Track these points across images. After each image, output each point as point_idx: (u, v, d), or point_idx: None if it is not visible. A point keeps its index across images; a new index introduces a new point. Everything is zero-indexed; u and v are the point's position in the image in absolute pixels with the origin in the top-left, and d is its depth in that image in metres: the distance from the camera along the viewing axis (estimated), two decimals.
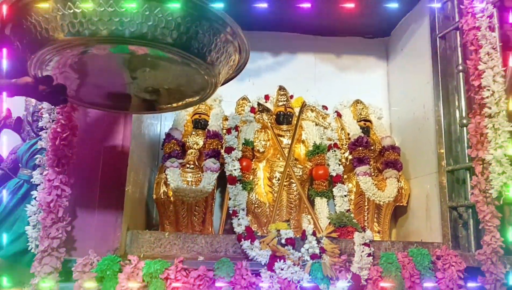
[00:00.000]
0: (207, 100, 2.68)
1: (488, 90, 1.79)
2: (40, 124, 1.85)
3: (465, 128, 2.08)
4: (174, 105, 1.53)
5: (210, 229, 2.47)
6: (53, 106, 1.81)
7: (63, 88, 1.15)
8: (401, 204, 2.61)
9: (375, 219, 2.60)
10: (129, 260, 1.82)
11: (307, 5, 2.56)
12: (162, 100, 1.49)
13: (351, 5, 2.48)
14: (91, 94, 1.36)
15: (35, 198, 1.78)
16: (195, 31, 1.12)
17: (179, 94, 1.47)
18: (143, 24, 1.05)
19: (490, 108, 1.78)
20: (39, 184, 1.77)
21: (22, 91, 1.17)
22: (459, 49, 2.16)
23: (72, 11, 1.01)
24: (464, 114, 2.10)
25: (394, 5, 2.48)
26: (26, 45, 1.09)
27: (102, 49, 1.12)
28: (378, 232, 2.59)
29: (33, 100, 2.71)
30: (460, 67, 2.11)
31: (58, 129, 1.70)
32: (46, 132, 1.79)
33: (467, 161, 2.06)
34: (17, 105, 2.58)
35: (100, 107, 1.51)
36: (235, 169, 2.39)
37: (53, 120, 1.78)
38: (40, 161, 1.81)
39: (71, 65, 1.17)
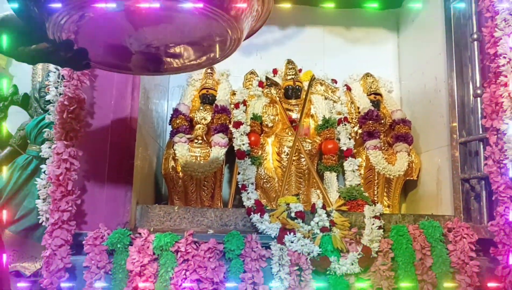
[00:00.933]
0: (215, 75, 2.67)
1: (505, 57, 1.73)
2: (47, 98, 1.83)
3: (479, 98, 2.03)
4: (186, 63, 1.40)
5: (219, 204, 2.47)
6: (59, 80, 1.79)
7: (85, 52, 1.11)
8: (412, 178, 2.58)
9: (385, 193, 2.58)
10: (140, 234, 1.82)
11: None
12: (172, 57, 1.42)
13: None
14: (98, 55, 1.31)
15: (44, 172, 1.78)
16: None
17: (198, 51, 1.40)
18: None
19: (506, 76, 1.73)
20: (48, 158, 1.77)
21: (43, 58, 1.13)
22: (474, 17, 2.09)
23: None
24: (478, 85, 2.05)
25: None
26: (41, 8, 1.06)
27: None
28: (388, 206, 2.57)
29: (39, 76, 2.70)
30: (475, 36, 2.05)
31: (65, 102, 1.69)
32: (53, 106, 1.78)
33: (480, 133, 2.02)
34: (24, 82, 2.57)
35: (107, 67, 1.43)
36: (243, 144, 2.37)
37: (60, 94, 1.76)
38: (48, 134, 1.80)
39: (80, 26, 1.13)
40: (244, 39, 1.36)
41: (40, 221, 1.79)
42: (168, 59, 1.41)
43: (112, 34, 1.25)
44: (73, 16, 1.09)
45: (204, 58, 1.41)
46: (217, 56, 1.39)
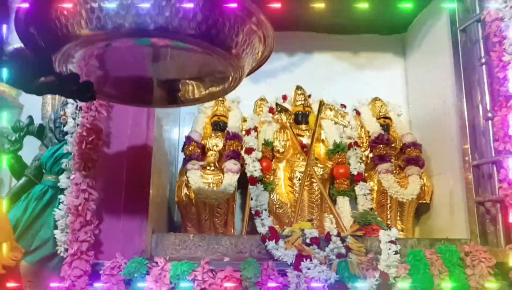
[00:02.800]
0: (225, 103, 2.71)
1: None
2: (65, 128, 1.87)
3: (490, 121, 2.04)
4: (197, 96, 1.48)
5: (232, 230, 2.46)
6: (77, 111, 1.83)
7: (90, 84, 1.15)
8: (424, 201, 2.57)
9: (398, 217, 2.57)
10: (156, 262, 1.82)
11: (320, 4, 2.56)
12: (184, 92, 1.47)
13: (365, 5, 2.48)
14: (114, 88, 1.35)
15: (62, 202, 1.80)
16: (218, 21, 1.09)
17: (202, 86, 1.45)
18: (160, 16, 1.03)
19: None
20: (66, 188, 1.79)
21: (50, 90, 1.17)
22: (481, 41, 2.13)
23: (96, 4, 1.01)
24: (488, 108, 2.07)
25: (408, 4, 2.47)
26: (49, 42, 1.10)
27: (124, 42, 1.12)
28: (402, 230, 2.55)
29: (49, 106, 2.76)
30: (483, 60, 2.08)
31: (84, 133, 1.72)
32: (71, 136, 1.81)
33: (493, 155, 2.03)
34: (33, 112, 2.62)
35: (123, 101, 1.49)
36: (255, 170, 2.39)
37: (77, 125, 1.79)
38: (66, 165, 1.83)
39: (93, 59, 1.17)
40: (249, 74, 1.42)
41: (58, 252, 1.80)
42: (184, 92, 1.47)
43: (133, 68, 1.30)
44: (83, 50, 1.13)
45: (214, 88, 1.47)
46: (225, 88, 1.44)
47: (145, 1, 1.00)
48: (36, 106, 2.75)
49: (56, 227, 1.83)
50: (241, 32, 1.15)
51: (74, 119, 1.84)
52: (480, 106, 2.15)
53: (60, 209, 1.80)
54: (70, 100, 1.90)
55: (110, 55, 1.23)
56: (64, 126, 2.08)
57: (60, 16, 1.05)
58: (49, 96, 2.79)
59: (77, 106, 1.84)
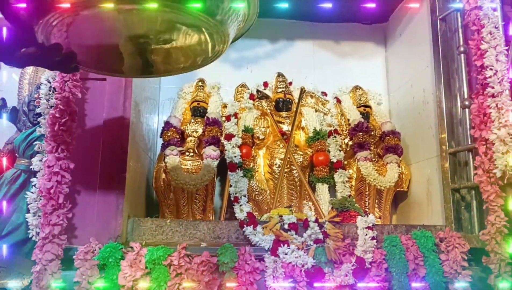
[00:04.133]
0: (206, 88, 2.68)
1: (491, 69, 1.78)
2: (37, 110, 1.81)
3: (467, 110, 2.07)
4: (180, 66, 1.42)
5: (211, 217, 2.45)
6: (50, 92, 1.78)
7: (73, 55, 1.12)
8: (402, 189, 2.60)
9: (376, 205, 2.59)
10: (131, 247, 1.80)
11: None
12: (164, 62, 1.42)
13: None
14: (88, 58, 1.30)
15: (34, 185, 1.75)
16: None
17: (184, 56, 1.40)
18: None
19: (493, 87, 1.77)
20: (38, 171, 1.74)
21: (32, 61, 1.13)
22: (460, 30, 2.15)
23: None
24: (465, 96, 2.09)
25: None
26: (32, 11, 1.05)
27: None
28: (379, 217, 2.58)
29: (26, 90, 2.68)
30: (462, 48, 2.10)
31: (57, 114, 1.67)
32: (44, 118, 1.76)
33: (469, 143, 2.06)
34: (10, 95, 2.54)
35: (98, 70, 1.43)
36: (235, 156, 2.37)
37: (51, 107, 1.74)
38: (39, 147, 1.78)
39: (69, 29, 1.13)
40: (230, 43, 1.37)
41: (30, 236, 1.75)
42: (157, 62, 1.41)
43: (104, 37, 1.26)
44: (64, 19, 1.09)
45: (190, 61, 1.41)
46: (203, 61, 1.38)
47: None
48: (12, 88, 2.67)
49: (28, 211, 1.78)
50: None
51: (47, 100, 1.79)
52: (458, 95, 2.18)
53: (32, 192, 1.75)
54: (43, 81, 1.84)
55: (86, 24, 1.18)
56: (38, 108, 2.01)
57: None
58: (25, 81, 2.71)
59: (50, 87, 1.79)
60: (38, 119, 1.82)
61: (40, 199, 1.69)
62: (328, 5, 2.48)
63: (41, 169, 1.72)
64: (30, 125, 2.27)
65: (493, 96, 1.78)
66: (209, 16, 1.13)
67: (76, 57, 1.13)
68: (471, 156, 2.05)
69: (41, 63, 1.16)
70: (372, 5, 2.52)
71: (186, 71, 1.45)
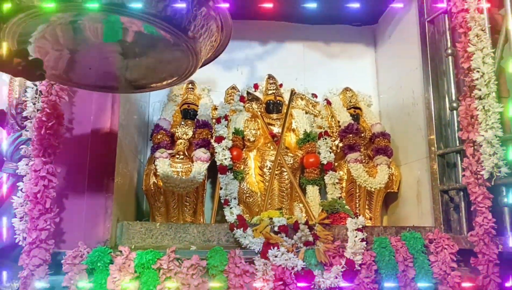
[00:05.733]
0: (196, 90, 2.67)
1: (478, 71, 1.79)
2: (24, 113, 1.80)
3: (455, 111, 2.08)
4: (153, 85, 1.49)
5: (201, 219, 2.44)
6: (37, 95, 1.76)
7: (39, 62, 1.09)
8: (392, 190, 2.62)
9: (366, 206, 2.61)
10: (120, 251, 1.78)
11: None
12: (144, 80, 1.45)
13: None
14: (79, 74, 1.32)
15: (21, 190, 1.73)
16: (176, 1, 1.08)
17: (160, 74, 1.44)
18: None
19: (480, 89, 1.78)
20: (25, 176, 1.72)
21: None
22: (447, 32, 2.16)
23: None
24: (453, 98, 2.11)
25: None
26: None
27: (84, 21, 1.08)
28: (370, 219, 2.59)
29: (16, 93, 2.65)
30: (449, 51, 2.12)
31: (44, 118, 1.66)
32: (31, 122, 1.74)
33: (457, 145, 2.07)
34: None
35: (88, 87, 1.45)
36: (225, 159, 2.37)
37: (38, 110, 1.73)
38: (25, 151, 1.76)
39: (57, 41, 1.13)
40: (205, 64, 1.41)
41: (16, 241, 1.73)
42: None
43: (78, 47, 1.26)
44: (35, 23, 1.08)
45: (170, 80, 1.46)
46: (180, 76, 1.42)
47: None
48: (1, 91, 2.65)
49: (15, 216, 1.76)
50: (199, 15, 1.14)
51: (34, 104, 1.77)
52: (446, 97, 2.19)
53: (18, 197, 1.73)
54: (30, 84, 1.83)
55: (76, 40, 1.19)
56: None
57: None
58: (16, 83, 2.69)
59: (37, 90, 1.77)
60: (25, 123, 1.80)
61: (27, 204, 1.67)
62: (313, 5, 2.46)
63: (28, 173, 1.70)
64: (18, 128, 2.25)
65: (480, 98, 1.79)
66: (181, 32, 1.15)
67: (42, 64, 1.10)
68: (459, 158, 2.07)
69: (4, 68, 1.13)
70: (356, 5, 2.51)
71: (158, 89, 1.49)
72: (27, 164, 1.73)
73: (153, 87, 1.51)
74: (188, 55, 1.25)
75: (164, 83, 1.46)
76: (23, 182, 1.74)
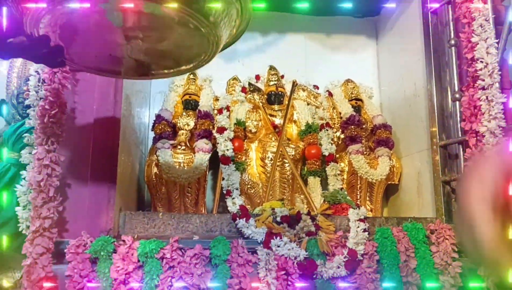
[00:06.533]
0: (197, 81, 2.66)
1: (482, 62, 1.79)
2: (26, 102, 1.79)
3: (457, 102, 2.08)
4: (171, 70, 1.45)
5: (203, 210, 2.44)
6: (39, 84, 1.75)
7: (61, 49, 1.09)
8: (393, 182, 2.62)
9: (367, 198, 2.61)
10: (123, 241, 1.78)
11: None
12: (156, 64, 1.43)
13: None
14: (83, 57, 1.30)
15: (24, 178, 1.73)
16: None
17: (175, 59, 1.42)
18: None
19: (483, 80, 1.79)
20: (28, 164, 1.72)
21: (18, 52, 1.10)
22: (451, 23, 2.16)
23: None
24: (456, 89, 2.11)
25: None
26: (20, 1, 1.04)
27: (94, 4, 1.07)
28: (371, 210, 2.60)
29: (14, 84, 2.64)
30: (453, 42, 2.11)
31: (46, 106, 1.65)
32: (33, 110, 1.73)
33: (460, 136, 2.07)
34: None
35: (93, 70, 1.44)
36: (227, 149, 2.36)
37: (40, 98, 1.72)
38: (28, 140, 1.75)
39: (62, 24, 1.11)
40: (223, 49, 1.39)
41: (19, 230, 1.73)
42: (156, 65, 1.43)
43: (95, 33, 1.25)
44: (53, 12, 1.07)
45: (187, 66, 1.44)
46: (199, 62, 1.41)
47: None
48: (1, 80, 2.64)
49: (18, 205, 1.76)
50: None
51: (36, 92, 1.76)
52: (449, 88, 2.19)
53: (22, 185, 1.73)
54: (33, 73, 1.82)
55: (81, 23, 1.17)
56: (26, 100, 1.99)
57: None
58: (14, 75, 2.68)
59: (39, 78, 1.76)
60: (27, 111, 1.79)
61: (30, 192, 1.67)
62: None
63: (31, 162, 1.69)
64: (19, 118, 2.25)
65: (483, 88, 1.79)
66: (203, 17, 1.13)
67: (63, 51, 1.11)
68: (461, 149, 2.07)
69: (27, 55, 1.14)
70: None
71: (177, 74, 1.47)
72: (30, 153, 1.72)
73: (165, 73, 1.47)
74: (209, 40, 1.23)
75: (182, 68, 1.43)
76: (25, 171, 1.73)
